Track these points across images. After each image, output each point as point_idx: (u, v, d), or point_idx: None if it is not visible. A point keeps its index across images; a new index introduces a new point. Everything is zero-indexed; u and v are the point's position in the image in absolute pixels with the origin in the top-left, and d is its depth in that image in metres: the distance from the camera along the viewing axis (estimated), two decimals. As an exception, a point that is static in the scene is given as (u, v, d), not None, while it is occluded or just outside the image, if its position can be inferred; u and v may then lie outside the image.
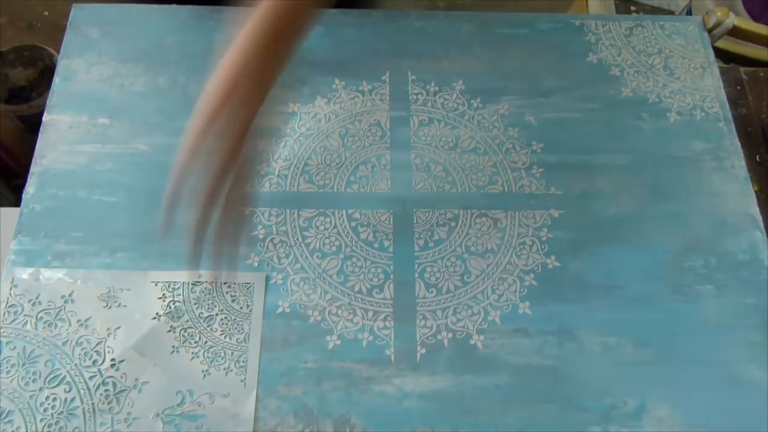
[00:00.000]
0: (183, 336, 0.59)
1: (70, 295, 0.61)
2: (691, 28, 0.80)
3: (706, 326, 0.62)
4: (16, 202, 1.31)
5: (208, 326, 0.60)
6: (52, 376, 0.58)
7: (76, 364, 0.58)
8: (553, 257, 0.65)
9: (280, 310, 0.62)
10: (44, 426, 0.56)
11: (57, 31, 0.76)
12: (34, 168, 0.68)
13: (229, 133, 0.50)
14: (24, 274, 0.62)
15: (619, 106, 0.74)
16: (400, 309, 0.62)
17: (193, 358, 0.59)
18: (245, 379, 0.58)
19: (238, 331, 0.60)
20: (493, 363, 0.60)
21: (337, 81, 0.74)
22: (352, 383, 0.59)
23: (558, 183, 0.69)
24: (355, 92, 0.74)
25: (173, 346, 0.59)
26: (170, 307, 0.60)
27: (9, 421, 0.56)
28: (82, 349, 0.59)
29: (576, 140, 0.72)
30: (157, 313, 0.60)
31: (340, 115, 0.72)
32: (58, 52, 0.74)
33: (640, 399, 0.59)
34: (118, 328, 0.60)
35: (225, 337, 0.60)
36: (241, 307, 0.61)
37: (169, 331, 0.60)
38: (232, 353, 0.59)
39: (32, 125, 1.48)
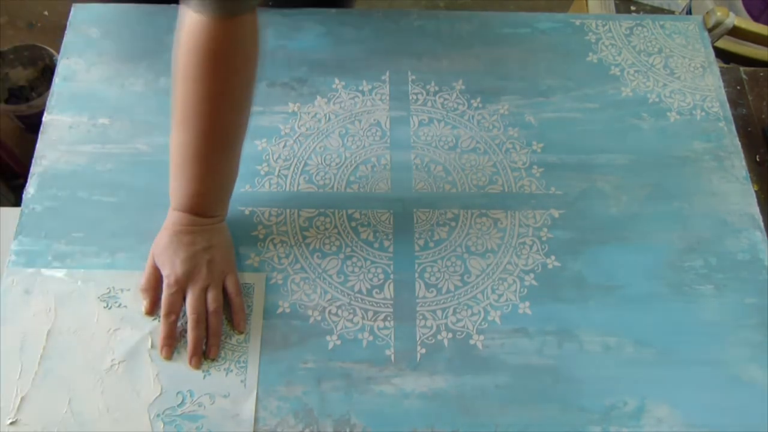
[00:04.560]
0: (183, 337, 0.59)
1: (70, 296, 0.61)
2: (691, 27, 0.80)
3: (706, 326, 0.62)
4: (16, 202, 1.30)
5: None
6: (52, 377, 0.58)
7: (76, 365, 0.58)
8: (553, 257, 0.65)
9: (280, 310, 0.62)
10: (45, 427, 0.56)
11: (57, 31, 0.76)
12: (34, 168, 0.68)
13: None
14: (24, 274, 0.62)
15: (619, 106, 0.74)
16: (400, 309, 0.62)
17: (193, 358, 0.59)
18: (245, 379, 0.58)
19: (239, 331, 0.60)
20: (493, 363, 0.60)
21: (337, 81, 0.74)
22: (352, 383, 0.59)
23: (558, 183, 0.69)
24: (355, 92, 0.74)
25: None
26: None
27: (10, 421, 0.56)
28: (82, 350, 0.59)
29: (576, 140, 0.72)
30: (158, 314, 0.60)
31: (340, 115, 0.72)
32: (58, 52, 0.74)
33: (640, 399, 0.59)
34: (118, 328, 0.60)
35: (225, 338, 0.60)
36: (241, 307, 0.61)
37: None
38: (232, 353, 0.59)
39: (32, 125, 1.48)
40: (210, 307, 0.59)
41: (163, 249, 0.59)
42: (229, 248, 0.63)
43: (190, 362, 0.58)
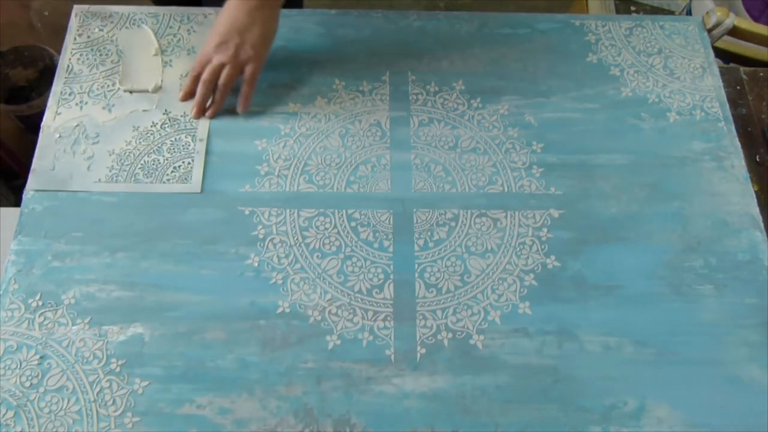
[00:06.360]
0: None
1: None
2: (691, 28, 0.80)
3: (706, 326, 0.62)
4: (16, 202, 1.30)
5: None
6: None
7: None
8: (553, 257, 0.65)
9: (280, 310, 0.62)
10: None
11: (57, 31, 0.76)
12: (34, 168, 0.68)
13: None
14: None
15: (619, 106, 0.74)
16: (400, 309, 0.62)
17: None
18: None
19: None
20: (493, 363, 0.60)
21: (337, 81, 0.74)
22: (352, 383, 0.59)
23: (558, 183, 0.69)
24: (355, 92, 0.74)
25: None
26: None
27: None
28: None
29: (576, 140, 0.72)
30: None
31: (340, 115, 0.72)
32: (58, 52, 0.74)
33: (640, 399, 0.59)
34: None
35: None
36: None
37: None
38: None
39: (32, 125, 1.48)
40: (219, 81, 0.68)
41: (216, 22, 0.68)
42: (265, 38, 0.68)
43: (192, 112, 0.70)
